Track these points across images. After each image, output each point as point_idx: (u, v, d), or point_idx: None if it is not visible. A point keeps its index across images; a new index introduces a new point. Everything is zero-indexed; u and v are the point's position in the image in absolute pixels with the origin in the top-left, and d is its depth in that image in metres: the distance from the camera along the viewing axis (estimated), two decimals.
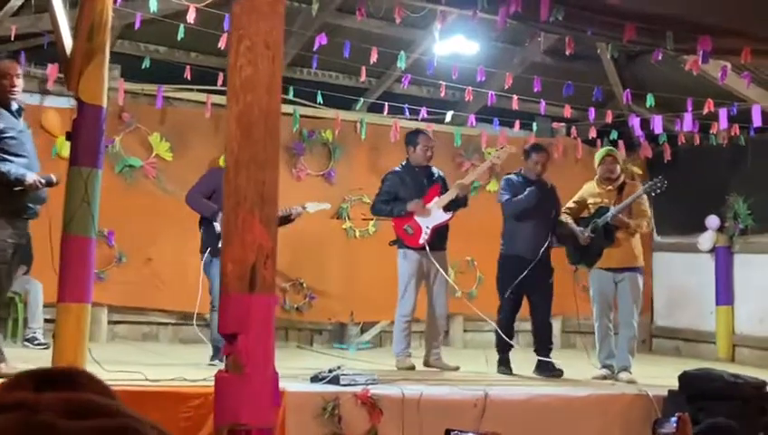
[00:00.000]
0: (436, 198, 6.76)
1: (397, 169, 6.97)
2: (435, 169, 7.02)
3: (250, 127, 3.24)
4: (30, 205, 5.26)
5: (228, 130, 3.31)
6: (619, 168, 6.98)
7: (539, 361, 6.76)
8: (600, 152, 7.13)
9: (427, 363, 6.78)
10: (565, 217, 6.92)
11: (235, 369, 3.12)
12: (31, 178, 5.14)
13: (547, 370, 6.70)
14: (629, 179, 7.42)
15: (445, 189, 6.84)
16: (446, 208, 6.76)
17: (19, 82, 5.40)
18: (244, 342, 3.10)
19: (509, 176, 7.09)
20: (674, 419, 4.41)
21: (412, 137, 7.00)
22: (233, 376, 3.13)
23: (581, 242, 6.78)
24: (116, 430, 0.74)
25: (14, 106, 5.35)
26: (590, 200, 6.92)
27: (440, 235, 6.74)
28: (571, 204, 7.01)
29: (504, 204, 6.90)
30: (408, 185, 6.80)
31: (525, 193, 6.79)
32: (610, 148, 7.48)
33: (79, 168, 4.72)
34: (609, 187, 6.88)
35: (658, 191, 6.76)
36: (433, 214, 6.73)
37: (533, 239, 6.75)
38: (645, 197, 6.84)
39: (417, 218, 6.69)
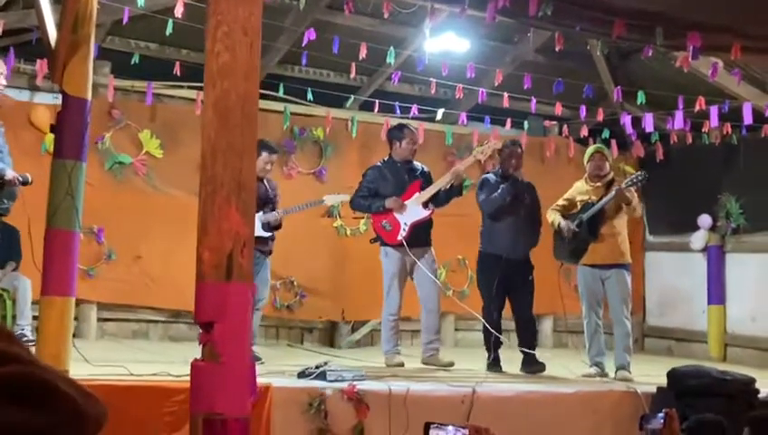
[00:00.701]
0: (417, 194, 6.69)
1: (378, 163, 6.92)
2: (417, 165, 6.94)
3: (227, 113, 3.22)
4: (5, 200, 5.25)
5: (205, 117, 3.29)
6: (608, 165, 6.98)
7: (524, 357, 6.69)
8: (589, 150, 7.14)
9: (423, 362, 6.67)
10: (553, 214, 6.90)
11: (211, 358, 3.09)
12: (11, 174, 5.15)
13: (533, 363, 6.65)
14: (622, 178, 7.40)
15: (426, 185, 6.76)
16: (426, 205, 6.70)
17: (2, 81, 5.39)
18: (220, 330, 3.07)
19: (486, 175, 7.08)
20: (661, 414, 4.40)
21: (396, 132, 6.92)
22: (209, 365, 3.11)
23: (565, 235, 6.76)
24: (22, 375, 0.73)
25: None
26: (579, 198, 6.90)
27: (420, 231, 6.65)
28: (561, 202, 6.99)
29: (481, 203, 6.87)
30: (389, 180, 6.74)
31: (498, 191, 6.76)
32: (599, 145, 7.49)
33: (63, 160, 4.71)
34: (598, 183, 6.88)
35: (639, 185, 6.79)
36: (411, 210, 6.65)
37: (512, 237, 6.71)
38: (631, 189, 6.83)
39: (396, 215, 6.62)
